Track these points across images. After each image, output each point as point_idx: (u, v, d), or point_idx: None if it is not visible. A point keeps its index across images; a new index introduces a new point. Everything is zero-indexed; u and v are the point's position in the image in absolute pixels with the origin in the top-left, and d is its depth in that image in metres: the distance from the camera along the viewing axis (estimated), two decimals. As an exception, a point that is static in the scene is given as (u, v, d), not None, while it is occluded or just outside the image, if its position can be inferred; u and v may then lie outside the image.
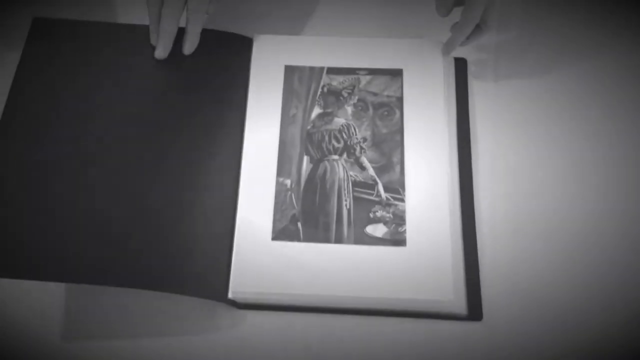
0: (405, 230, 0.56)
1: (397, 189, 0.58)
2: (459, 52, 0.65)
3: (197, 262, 0.55)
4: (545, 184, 0.60)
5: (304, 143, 0.61)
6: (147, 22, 0.64)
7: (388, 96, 0.63)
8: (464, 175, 0.60)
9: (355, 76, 0.63)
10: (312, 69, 0.64)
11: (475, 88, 0.65)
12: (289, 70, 0.64)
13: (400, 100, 0.62)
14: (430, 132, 0.60)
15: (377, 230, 0.57)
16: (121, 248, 0.54)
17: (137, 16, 0.66)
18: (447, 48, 0.63)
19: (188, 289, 0.54)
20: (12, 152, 0.59)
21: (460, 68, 0.65)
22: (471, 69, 0.66)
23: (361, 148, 0.61)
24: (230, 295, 0.54)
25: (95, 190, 0.57)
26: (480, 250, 0.58)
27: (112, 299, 0.55)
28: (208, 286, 0.54)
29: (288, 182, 0.59)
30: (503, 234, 0.59)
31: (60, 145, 0.59)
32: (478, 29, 0.61)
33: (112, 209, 0.56)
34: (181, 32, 0.64)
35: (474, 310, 0.55)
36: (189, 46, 0.63)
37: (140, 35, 0.65)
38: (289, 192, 0.58)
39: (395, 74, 0.63)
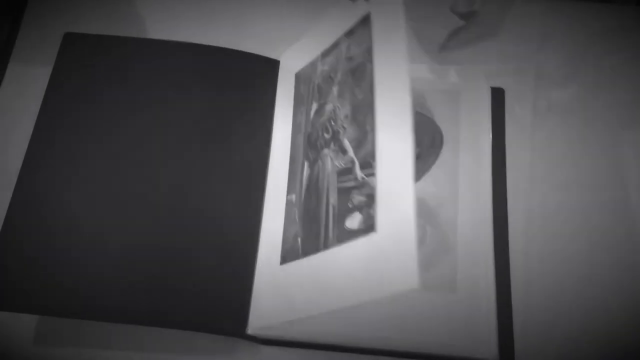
0: (375, 212, 0.44)
1: (369, 162, 0.46)
2: (497, 82, 0.61)
3: (215, 298, 0.52)
4: (583, 227, 0.57)
5: (305, 149, 0.55)
6: (178, 39, 0.62)
7: (362, 53, 0.51)
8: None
9: (339, 48, 0.54)
10: (312, 64, 0.57)
11: (511, 118, 0.60)
12: (298, 78, 0.59)
13: (369, 50, 0.49)
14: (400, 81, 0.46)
15: (354, 221, 0.46)
16: (138, 286, 0.53)
17: (168, 32, 0.65)
18: None
19: (206, 326, 0.52)
20: (42, 168, 0.59)
21: (498, 98, 0.59)
22: (508, 97, 0.61)
23: (343, 128, 0.51)
24: (249, 331, 0.52)
25: (119, 225, 0.56)
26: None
27: (126, 333, 0.55)
28: (226, 322, 0.52)
29: (293, 197, 0.54)
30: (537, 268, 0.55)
31: (90, 162, 0.59)
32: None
33: (133, 245, 0.55)
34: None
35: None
36: None
37: (171, 51, 0.63)
38: (294, 209, 0.53)
39: (365, 22, 0.51)
